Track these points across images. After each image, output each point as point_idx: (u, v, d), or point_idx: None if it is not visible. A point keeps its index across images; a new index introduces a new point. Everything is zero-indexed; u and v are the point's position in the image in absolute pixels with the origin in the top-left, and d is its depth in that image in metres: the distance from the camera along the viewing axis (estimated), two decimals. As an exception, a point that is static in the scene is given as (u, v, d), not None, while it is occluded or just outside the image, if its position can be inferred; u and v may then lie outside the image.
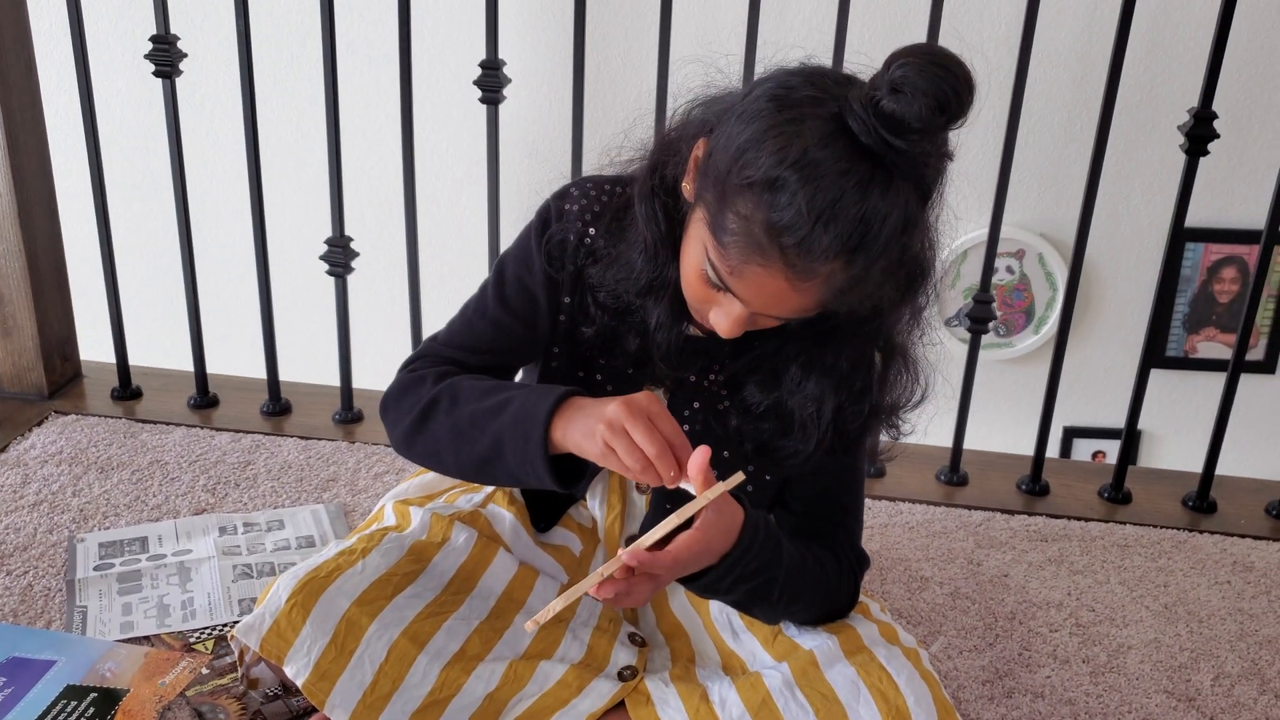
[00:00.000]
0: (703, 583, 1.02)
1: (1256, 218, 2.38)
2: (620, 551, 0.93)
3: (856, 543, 1.18)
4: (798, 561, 1.07)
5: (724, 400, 1.11)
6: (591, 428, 0.98)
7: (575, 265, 1.10)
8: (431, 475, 1.31)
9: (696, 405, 1.13)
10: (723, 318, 0.98)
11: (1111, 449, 2.85)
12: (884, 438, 1.14)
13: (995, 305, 1.65)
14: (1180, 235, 1.59)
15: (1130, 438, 1.70)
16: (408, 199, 1.70)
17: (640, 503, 1.22)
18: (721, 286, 0.96)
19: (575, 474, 1.07)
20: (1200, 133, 1.51)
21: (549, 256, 1.10)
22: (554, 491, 1.22)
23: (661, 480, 0.97)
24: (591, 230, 1.09)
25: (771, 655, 1.14)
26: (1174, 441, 2.66)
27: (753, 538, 1.02)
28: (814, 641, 1.11)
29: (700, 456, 0.95)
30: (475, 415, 1.06)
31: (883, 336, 1.05)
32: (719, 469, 1.13)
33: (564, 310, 1.12)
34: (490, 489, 1.26)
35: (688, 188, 1.01)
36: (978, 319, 1.65)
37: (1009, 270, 2.66)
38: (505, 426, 1.04)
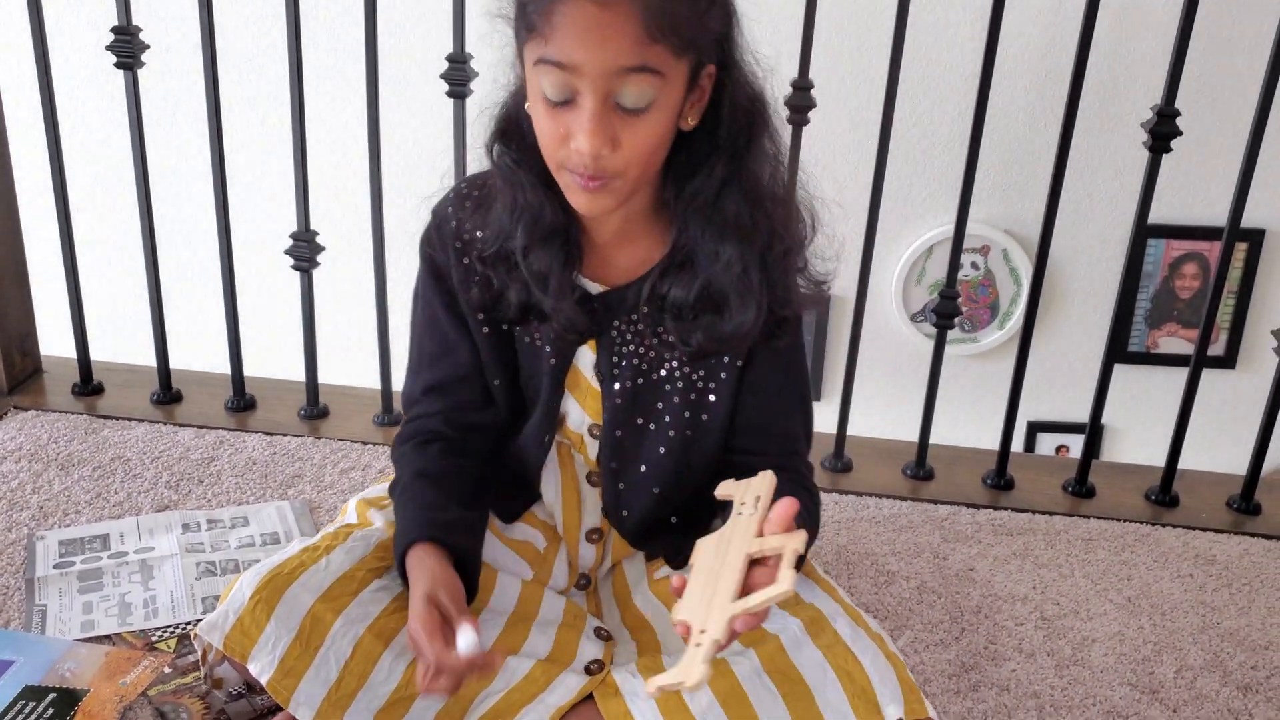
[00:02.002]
0: None
1: (1218, 214, 2.41)
2: (722, 628, 0.89)
3: (807, 459, 1.21)
4: (812, 528, 1.10)
5: (654, 332, 1.12)
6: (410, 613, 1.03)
7: (460, 260, 1.12)
8: None
9: (627, 350, 1.13)
10: (582, 128, 0.96)
11: (1075, 443, 2.88)
12: (806, 289, 1.14)
13: (960, 301, 1.66)
14: (1144, 231, 1.61)
15: (1094, 432, 1.71)
16: (374, 193, 1.69)
17: (593, 497, 1.22)
18: (553, 63, 0.95)
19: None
20: (1164, 130, 1.53)
21: (437, 275, 1.14)
22: (513, 476, 1.22)
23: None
24: (465, 236, 1.11)
25: (739, 641, 1.14)
26: (1136, 435, 2.69)
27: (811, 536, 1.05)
28: (779, 625, 1.11)
29: (789, 509, 0.95)
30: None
31: (755, 180, 1.07)
32: (668, 416, 1.15)
33: (469, 311, 1.14)
34: None
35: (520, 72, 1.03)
36: (943, 314, 1.66)
37: (974, 266, 2.67)
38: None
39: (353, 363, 1.91)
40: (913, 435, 1.76)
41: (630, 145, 0.98)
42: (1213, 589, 1.49)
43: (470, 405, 1.19)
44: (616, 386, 1.14)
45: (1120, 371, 2.09)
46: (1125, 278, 1.65)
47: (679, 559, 1.23)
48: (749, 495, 1.01)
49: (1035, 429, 2.73)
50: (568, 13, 0.93)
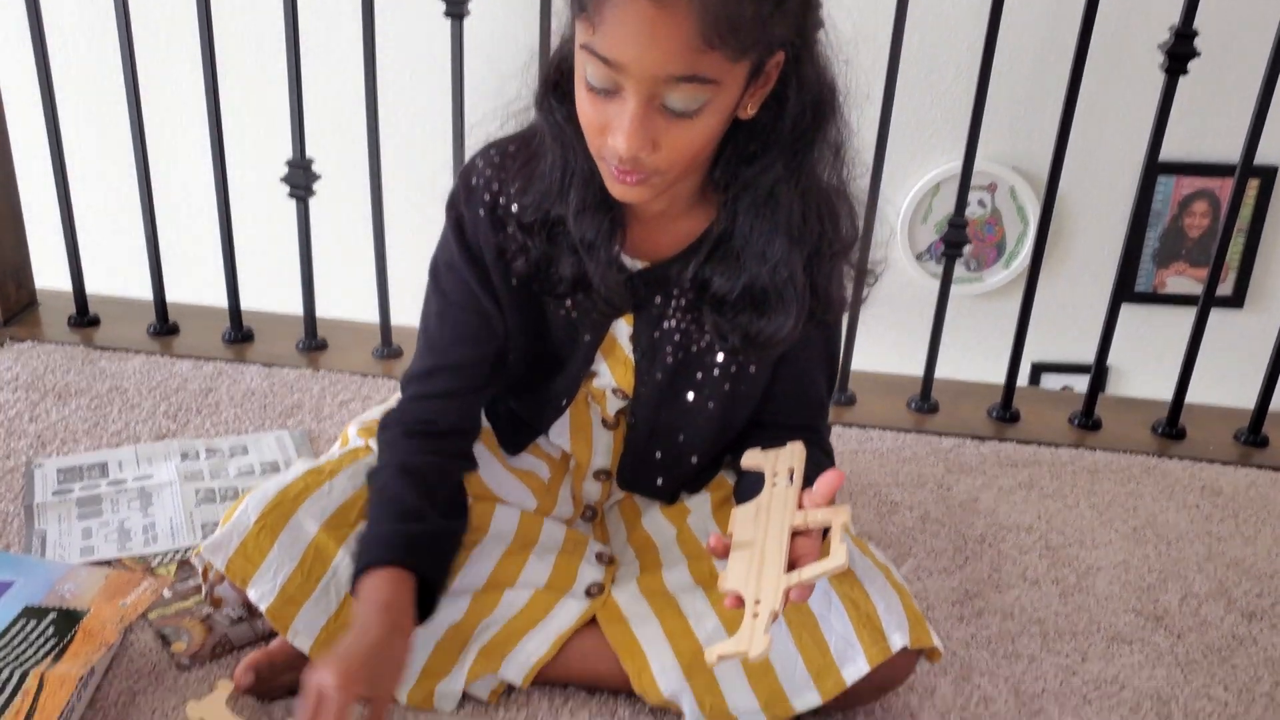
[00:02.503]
0: None
1: (1229, 151, 2.37)
2: (779, 599, 0.89)
3: (827, 432, 1.20)
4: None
5: (695, 310, 1.08)
6: (325, 665, 0.92)
7: (494, 231, 1.05)
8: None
9: (667, 326, 1.10)
10: (621, 127, 0.89)
11: (1079, 384, 2.85)
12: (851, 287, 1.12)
13: (968, 230, 1.63)
14: (1156, 161, 1.58)
15: (1100, 367, 1.70)
16: (370, 118, 1.66)
17: (607, 438, 1.19)
18: (597, 56, 0.87)
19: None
20: (1181, 50, 1.49)
21: (465, 244, 1.07)
22: (520, 419, 1.20)
23: None
24: (503, 195, 1.04)
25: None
26: (1141, 377, 2.67)
27: None
28: None
29: (834, 483, 0.93)
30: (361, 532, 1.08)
31: (813, 176, 1.01)
32: (690, 391, 1.12)
33: (500, 281, 1.07)
34: None
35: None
36: (952, 243, 1.63)
37: (981, 204, 2.64)
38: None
39: (352, 296, 1.89)
40: (918, 370, 1.75)
41: (672, 148, 0.91)
42: (1219, 519, 1.48)
43: (481, 384, 1.12)
44: (657, 361, 1.10)
45: (1126, 311, 2.06)
46: (1135, 214, 1.62)
47: (676, 498, 1.22)
48: (780, 466, 1.01)
49: (1039, 370, 2.70)
50: (620, 6, 0.85)
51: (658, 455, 1.17)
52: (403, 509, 1.05)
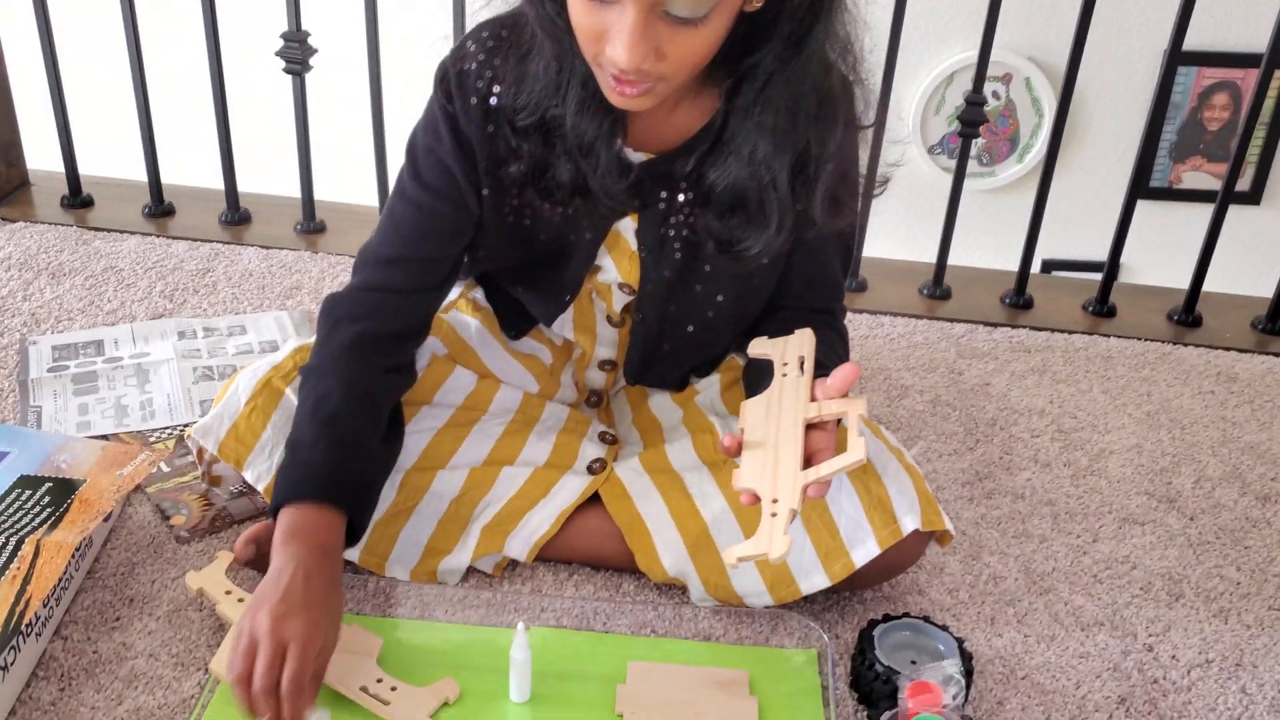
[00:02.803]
0: None
1: (1255, 39, 2.30)
2: (797, 497, 0.86)
3: (841, 311, 1.14)
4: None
5: (695, 210, 1.02)
6: (249, 612, 0.87)
7: (485, 123, 0.98)
8: None
9: (674, 221, 1.03)
10: (621, 38, 0.82)
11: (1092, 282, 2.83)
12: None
13: (985, 109, 1.58)
14: (1179, 51, 1.52)
15: (1116, 254, 1.66)
16: (369, -8, 1.59)
17: (612, 334, 1.15)
18: None
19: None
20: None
21: (454, 129, 0.99)
22: (522, 306, 1.16)
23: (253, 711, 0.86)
24: (496, 86, 0.97)
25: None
26: (1155, 274, 2.63)
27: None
28: None
29: (850, 375, 0.89)
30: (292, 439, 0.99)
31: (812, 73, 0.93)
32: (699, 284, 1.07)
33: (485, 175, 1.01)
34: (454, 295, 1.20)
35: None
36: (969, 121, 1.58)
37: (995, 95, 2.57)
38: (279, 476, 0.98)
39: (350, 176, 1.84)
40: (930, 257, 1.71)
41: (678, 56, 0.85)
42: (1234, 405, 1.45)
43: (437, 281, 1.05)
44: (664, 258, 1.05)
45: (1142, 207, 2.02)
46: (1155, 106, 1.55)
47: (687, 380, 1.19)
48: (790, 355, 0.97)
49: (1049, 267, 2.66)
50: None
51: (666, 348, 1.13)
52: (344, 434, 0.97)
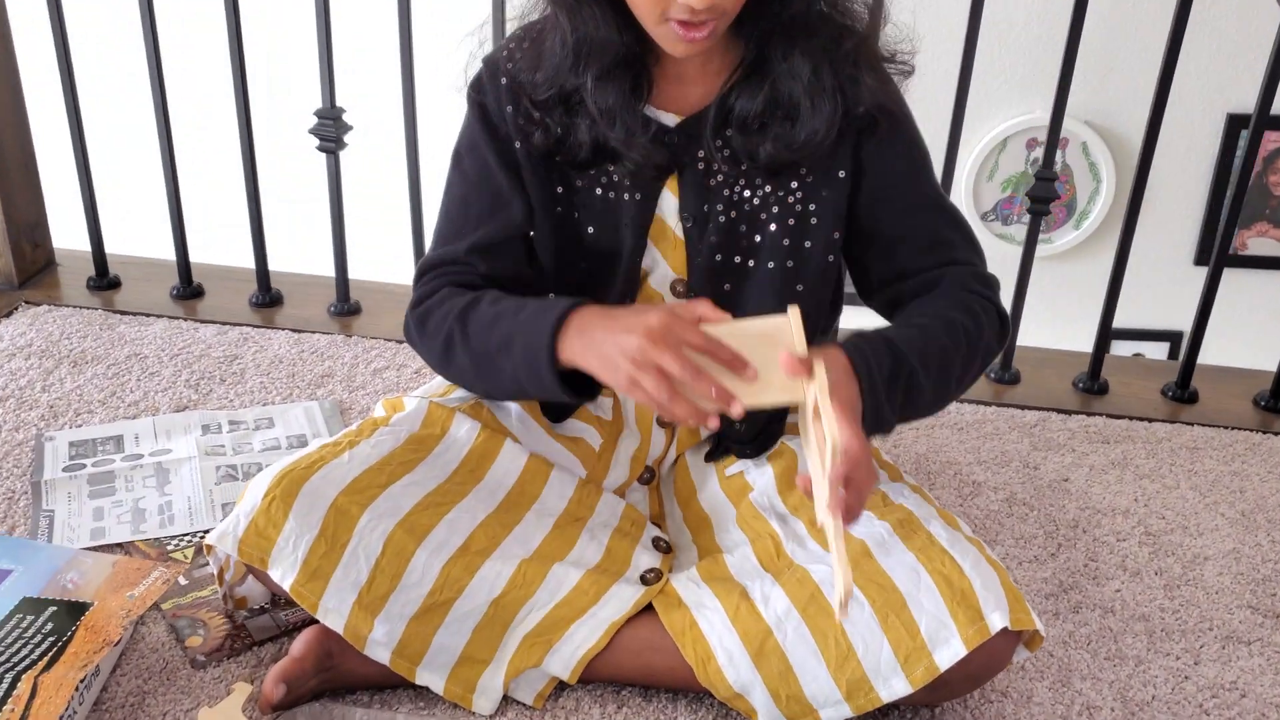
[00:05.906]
0: (869, 428, 0.93)
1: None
2: (825, 488, 0.85)
3: (978, 268, 1.07)
4: (917, 336, 0.97)
5: (739, 159, 1.02)
6: (612, 359, 0.91)
7: (512, 102, 1.03)
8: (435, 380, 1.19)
9: (714, 183, 1.03)
10: None
11: (1151, 351, 2.70)
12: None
13: (1059, 183, 1.49)
14: (1267, 115, 1.43)
15: (1199, 332, 1.55)
16: (405, 65, 1.53)
17: None
18: None
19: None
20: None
21: (485, 117, 1.05)
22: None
23: (696, 415, 0.89)
24: (520, 74, 1.03)
25: (820, 545, 1.01)
26: (1218, 344, 2.51)
27: (862, 357, 0.93)
28: (866, 530, 0.99)
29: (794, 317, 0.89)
30: (488, 353, 1.00)
31: None
32: (766, 248, 1.04)
33: (523, 157, 1.05)
34: None
35: None
36: (1038, 198, 1.49)
37: (1051, 160, 2.49)
38: (519, 367, 0.98)
39: (386, 256, 1.78)
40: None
41: None
42: (1337, 503, 1.34)
43: (517, 271, 1.08)
44: (710, 226, 1.04)
45: (1199, 274, 1.91)
46: (1218, 170, 1.46)
47: (752, 445, 1.11)
48: (795, 346, 0.91)
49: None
50: None
51: None
52: (497, 312, 1.01)
